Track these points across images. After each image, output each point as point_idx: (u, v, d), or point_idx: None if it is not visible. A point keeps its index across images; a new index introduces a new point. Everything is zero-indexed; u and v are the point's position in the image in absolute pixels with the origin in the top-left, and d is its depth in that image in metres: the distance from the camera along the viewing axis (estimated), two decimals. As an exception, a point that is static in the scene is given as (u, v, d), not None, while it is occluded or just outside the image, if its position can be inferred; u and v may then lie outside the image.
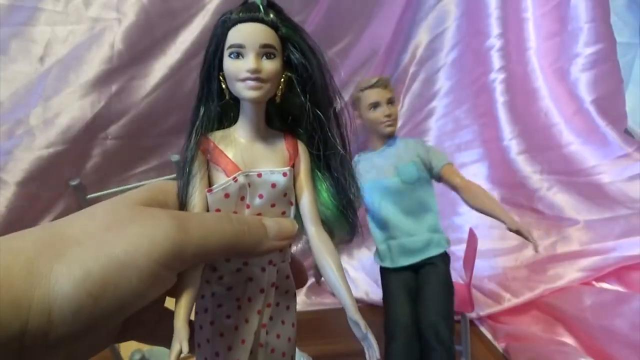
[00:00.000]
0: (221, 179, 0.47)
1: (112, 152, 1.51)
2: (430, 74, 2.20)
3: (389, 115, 1.32)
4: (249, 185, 0.45)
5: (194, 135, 0.48)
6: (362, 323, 0.38)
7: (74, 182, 1.49)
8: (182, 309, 0.35)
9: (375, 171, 1.34)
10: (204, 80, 0.50)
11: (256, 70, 0.51)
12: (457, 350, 1.69)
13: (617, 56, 2.06)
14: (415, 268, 1.34)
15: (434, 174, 1.34)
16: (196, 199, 0.45)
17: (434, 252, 1.32)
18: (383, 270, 1.40)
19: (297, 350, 1.81)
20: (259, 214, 0.44)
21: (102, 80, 1.42)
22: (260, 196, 0.47)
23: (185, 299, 0.36)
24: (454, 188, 1.32)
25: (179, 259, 0.30)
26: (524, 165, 2.17)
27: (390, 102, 1.34)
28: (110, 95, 1.43)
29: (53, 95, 1.40)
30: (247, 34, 0.50)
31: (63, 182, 1.48)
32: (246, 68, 0.50)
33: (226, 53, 0.50)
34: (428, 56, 2.17)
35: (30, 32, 1.41)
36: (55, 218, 1.50)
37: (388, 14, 1.95)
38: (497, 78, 2.15)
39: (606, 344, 1.42)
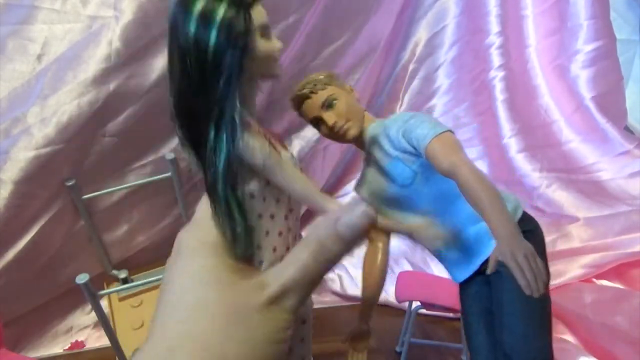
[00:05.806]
0: (283, 156, 0.64)
1: (109, 150, 1.51)
2: (429, 72, 2.19)
3: (332, 127, 0.96)
4: None
5: (238, 118, 0.50)
6: None
7: (69, 183, 1.48)
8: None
9: (373, 185, 1.06)
10: (240, 60, 0.49)
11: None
12: (457, 348, 1.70)
13: (617, 53, 2.06)
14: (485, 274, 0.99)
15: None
16: (307, 180, 0.58)
17: (491, 248, 0.88)
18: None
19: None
20: None
21: (100, 78, 1.41)
22: None
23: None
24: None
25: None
26: (524, 163, 2.16)
27: (328, 105, 0.96)
28: (108, 94, 1.43)
29: (51, 94, 1.40)
30: (265, 13, 0.53)
31: (60, 181, 1.48)
32: (278, 47, 0.54)
33: (258, 34, 0.52)
34: (427, 54, 2.17)
35: (28, 30, 1.40)
36: (53, 217, 1.49)
37: (387, 11, 1.94)
38: (497, 76, 2.15)
39: (607, 341, 1.42)
